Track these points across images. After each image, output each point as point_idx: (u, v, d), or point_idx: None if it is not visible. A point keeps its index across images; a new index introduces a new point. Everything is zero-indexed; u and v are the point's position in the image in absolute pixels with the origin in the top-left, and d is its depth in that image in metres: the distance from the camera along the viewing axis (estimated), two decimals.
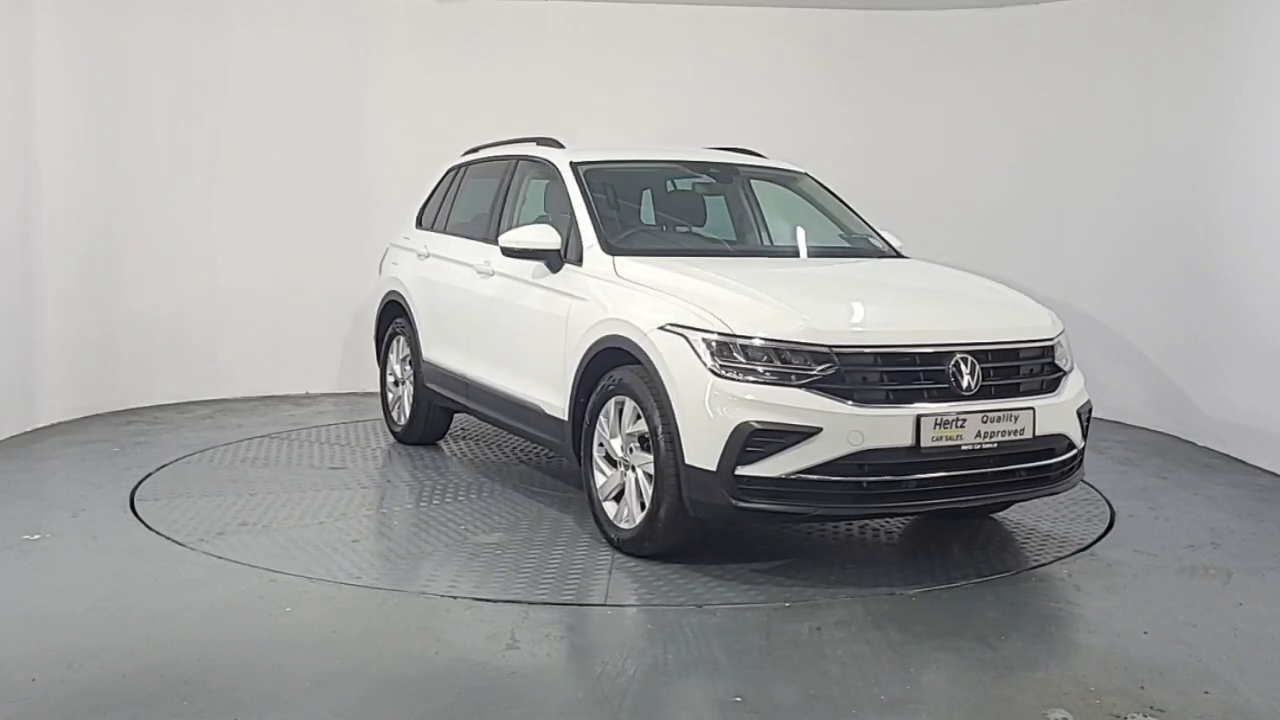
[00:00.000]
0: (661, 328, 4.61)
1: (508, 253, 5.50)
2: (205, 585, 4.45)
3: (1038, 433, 4.56)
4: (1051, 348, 4.81)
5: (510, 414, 5.78)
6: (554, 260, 5.41)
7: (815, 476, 4.28)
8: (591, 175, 5.70)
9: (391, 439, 7.12)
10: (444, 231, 6.78)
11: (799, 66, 8.92)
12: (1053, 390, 4.73)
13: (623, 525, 4.83)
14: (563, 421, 5.22)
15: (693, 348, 4.47)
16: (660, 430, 4.54)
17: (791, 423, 4.26)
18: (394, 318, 7.10)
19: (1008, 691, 3.59)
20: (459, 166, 7.03)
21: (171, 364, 8.28)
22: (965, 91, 8.79)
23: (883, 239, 6.03)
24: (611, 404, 4.88)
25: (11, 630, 3.99)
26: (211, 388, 8.41)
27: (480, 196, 6.58)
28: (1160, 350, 7.58)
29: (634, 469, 4.79)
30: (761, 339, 4.40)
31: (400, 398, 7.04)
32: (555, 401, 5.29)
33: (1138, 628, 4.13)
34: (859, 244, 5.98)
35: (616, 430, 4.87)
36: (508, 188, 6.24)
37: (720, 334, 4.44)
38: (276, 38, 8.40)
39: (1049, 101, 8.39)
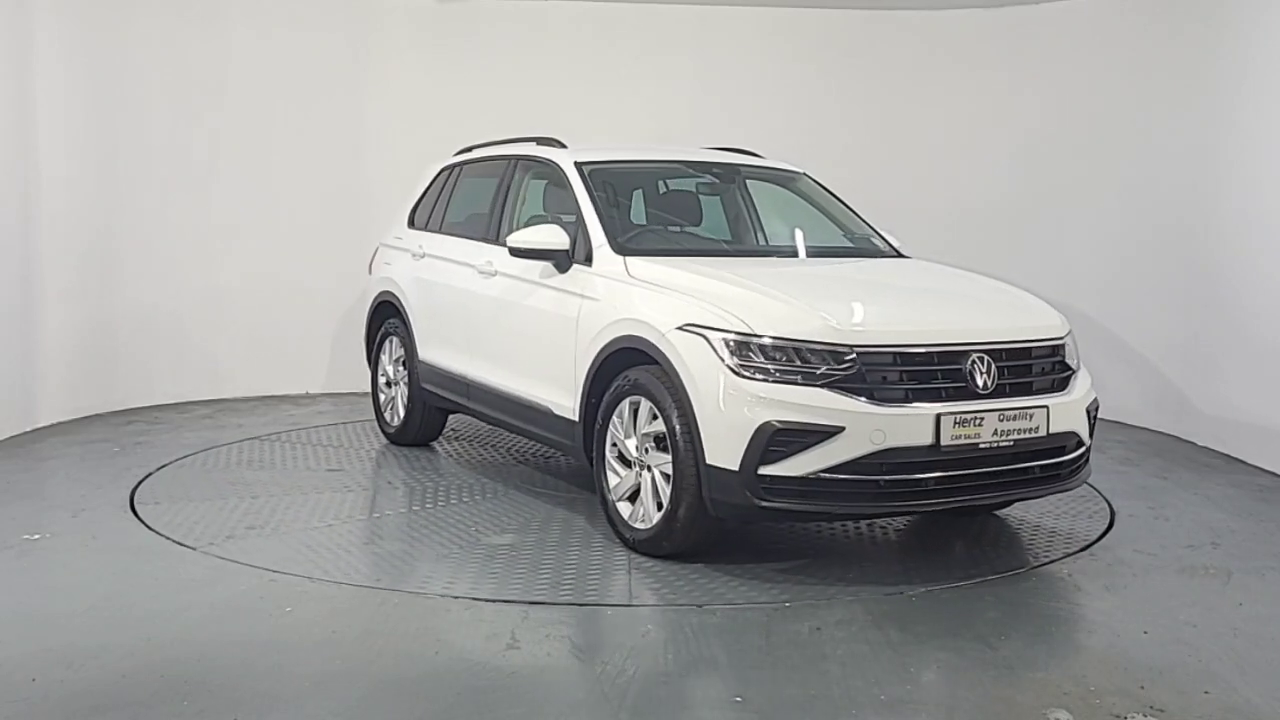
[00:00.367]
0: (680, 328, 4.61)
1: (515, 253, 5.47)
2: (205, 585, 4.45)
3: (1051, 430, 4.62)
4: (1061, 346, 4.87)
5: (515, 415, 5.75)
6: (562, 260, 5.39)
7: (836, 475, 4.30)
8: (596, 175, 5.69)
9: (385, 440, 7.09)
10: (439, 231, 6.74)
11: (799, 66, 8.93)
12: (1063, 388, 4.79)
13: (638, 525, 4.82)
14: (573, 422, 5.21)
15: (713, 347, 4.47)
16: (679, 430, 4.54)
17: (815, 422, 4.27)
18: (387, 318, 7.06)
19: (1008, 691, 3.58)
20: (452, 166, 7.00)
21: (171, 364, 8.28)
22: (965, 91, 8.79)
23: (883, 238, 6.05)
24: (626, 404, 4.87)
25: (11, 630, 3.99)
26: (211, 388, 8.42)
27: (477, 196, 6.55)
28: (1160, 350, 7.58)
29: (650, 469, 4.78)
30: (782, 338, 4.41)
31: (394, 399, 6.99)
32: (565, 402, 5.27)
33: (1138, 628, 4.13)
34: (862, 244, 6.00)
35: (631, 430, 4.86)
36: (508, 188, 6.22)
37: (741, 334, 4.45)
38: (276, 38, 8.40)
39: (1049, 101, 8.39)
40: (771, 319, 4.48)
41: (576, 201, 5.54)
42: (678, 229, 5.94)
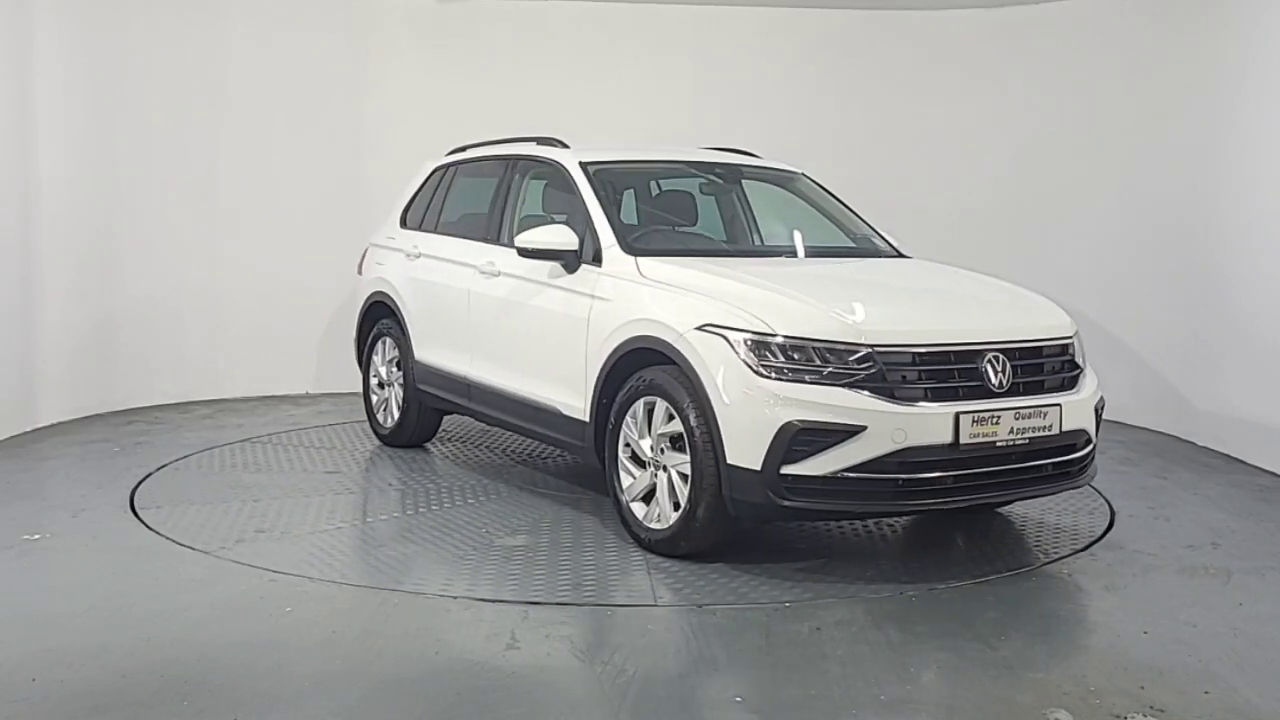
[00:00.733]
0: (699, 328, 4.60)
1: (524, 253, 5.43)
2: (205, 585, 4.45)
3: (1064, 428, 4.66)
4: (1070, 345, 4.91)
5: (521, 415, 5.72)
6: (571, 261, 5.37)
7: (856, 475, 4.32)
8: (601, 175, 5.68)
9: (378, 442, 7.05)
10: (434, 231, 6.70)
11: (799, 66, 8.93)
12: (1073, 387, 4.82)
13: (654, 525, 4.81)
14: (583, 423, 5.19)
15: (732, 347, 4.47)
16: (697, 430, 4.54)
17: (837, 421, 4.29)
18: (379, 319, 7.00)
19: (1008, 691, 3.58)
20: (446, 166, 6.94)
21: (172, 364, 8.28)
22: (965, 91, 8.79)
23: (884, 238, 6.07)
24: (640, 404, 4.85)
25: (11, 630, 3.98)
26: (211, 387, 8.42)
27: (475, 196, 6.52)
28: (1160, 350, 7.58)
29: (666, 469, 4.77)
30: (803, 339, 4.42)
31: (387, 400, 6.94)
32: (574, 403, 5.25)
33: (1138, 628, 4.13)
34: (864, 244, 6.02)
35: (645, 431, 4.84)
36: (508, 187, 6.20)
37: (761, 334, 4.45)
38: (276, 38, 8.40)
39: (1049, 101, 8.39)
40: (791, 319, 4.49)
41: (583, 202, 5.52)
42: (686, 229, 5.94)
